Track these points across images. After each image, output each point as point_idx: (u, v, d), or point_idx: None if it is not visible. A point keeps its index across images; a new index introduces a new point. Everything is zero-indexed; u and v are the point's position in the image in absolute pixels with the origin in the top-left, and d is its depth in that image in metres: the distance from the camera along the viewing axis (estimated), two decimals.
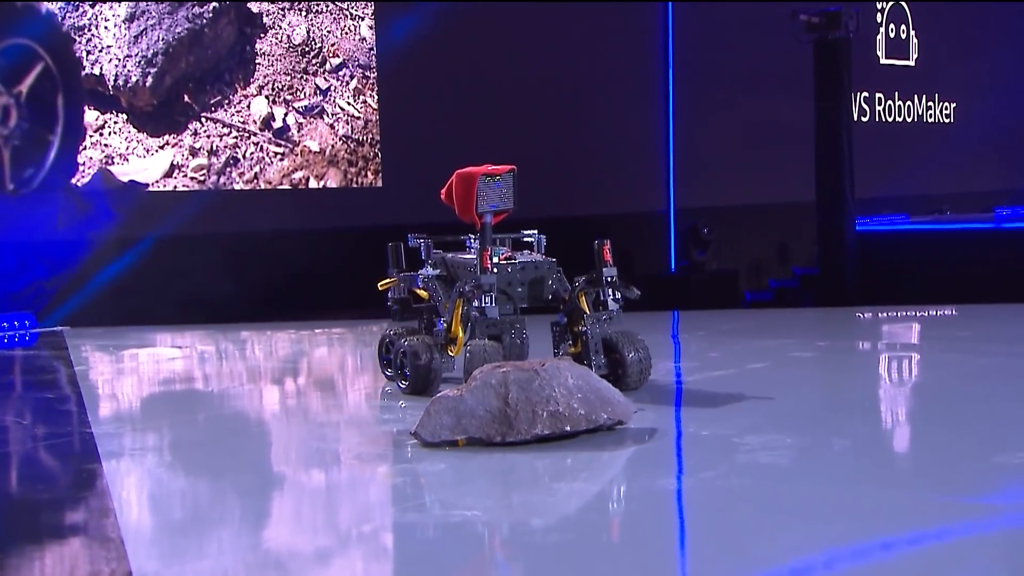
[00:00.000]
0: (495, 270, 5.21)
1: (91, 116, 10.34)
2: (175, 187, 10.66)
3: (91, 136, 10.37)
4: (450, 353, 5.34)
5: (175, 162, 10.61)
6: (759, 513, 3.31)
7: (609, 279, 5.25)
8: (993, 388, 5.59)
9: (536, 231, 5.77)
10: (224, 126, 10.72)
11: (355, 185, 11.28)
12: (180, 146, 10.61)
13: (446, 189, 5.63)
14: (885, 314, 9.96)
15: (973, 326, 8.59)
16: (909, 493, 3.47)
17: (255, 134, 10.82)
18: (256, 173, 10.87)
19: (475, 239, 5.63)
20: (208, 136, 10.68)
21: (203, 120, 10.64)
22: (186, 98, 10.59)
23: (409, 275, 5.86)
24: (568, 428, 4.16)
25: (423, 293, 5.76)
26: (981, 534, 3.03)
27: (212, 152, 10.70)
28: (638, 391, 5.21)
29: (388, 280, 5.95)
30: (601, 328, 5.27)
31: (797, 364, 6.77)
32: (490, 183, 5.45)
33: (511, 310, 5.35)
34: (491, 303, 5.12)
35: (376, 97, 11.32)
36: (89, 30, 10.27)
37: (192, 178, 10.69)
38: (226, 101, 10.73)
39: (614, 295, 5.27)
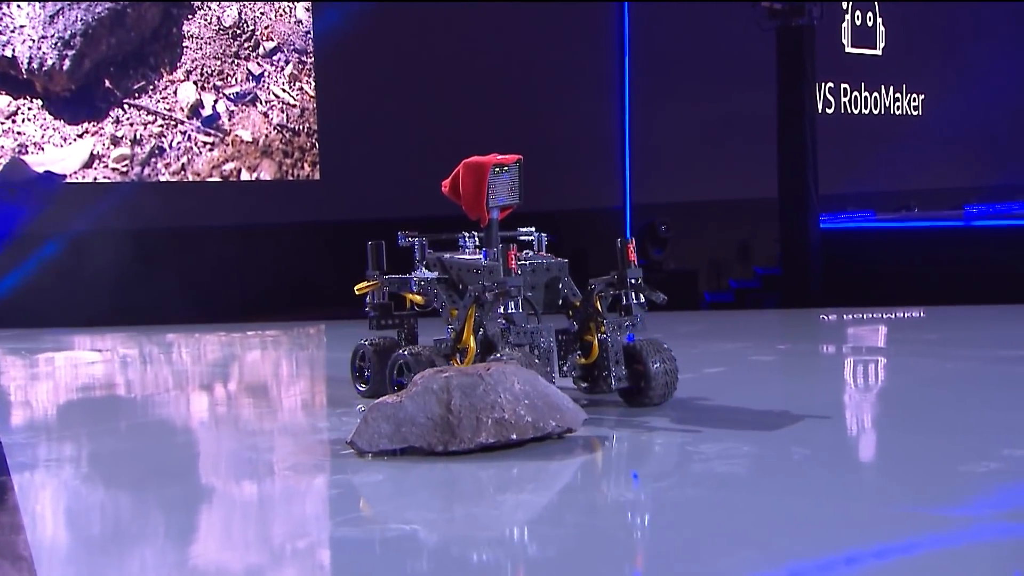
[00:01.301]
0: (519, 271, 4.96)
1: (2, 102, 10.20)
2: (95, 178, 10.54)
3: (2, 123, 10.23)
4: (458, 364, 5.00)
5: (95, 152, 10.50)
6: (715, 525, 3.34)
7: (633, 281, 5.04)
8: (959, 394, 5.70)
9: (534, 228, 5.58)
10: (149, 113, 10.62)
11: (291, 178, 11.23)
12: (101, 134, 10.49)
13: (450, 181, 5.39)
14: (850, 316, 10.10)
15: (940, 328, 8.74)
16: (873, 504, 3.52)
17: (182, 122, 10.73)
18: (183, 164, 10.78)
19: (469, 237, 5.44)
20: (131, 124, 10.57)
21: (125, 107, 10.53)
22: (107, 83, 10.48)
23: (398, 278, 5.60)
24: (514, 436, 4.17)
25: (417, 298, 5.49)
26: (949, 547, 3.08)
27: (135, 141, 10.60)
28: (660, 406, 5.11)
29: (367, 283, 5.68)
30: (622, 335, 5.03)
31: (757, 369, 6.85)
32: (499, 175, 5.25)
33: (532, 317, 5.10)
34: (518, 309, 4.86)
35: (313, 84, 11.27)
36: (0, 9, 10.13)
37: (114, 169, 10.58)
38: (151, 87, 10.63)
39: (638, 299, 5.05)
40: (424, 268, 5.46)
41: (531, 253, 5.37)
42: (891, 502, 3.55)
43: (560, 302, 5.17)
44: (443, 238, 5.56)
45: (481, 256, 5.18)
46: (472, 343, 4.96)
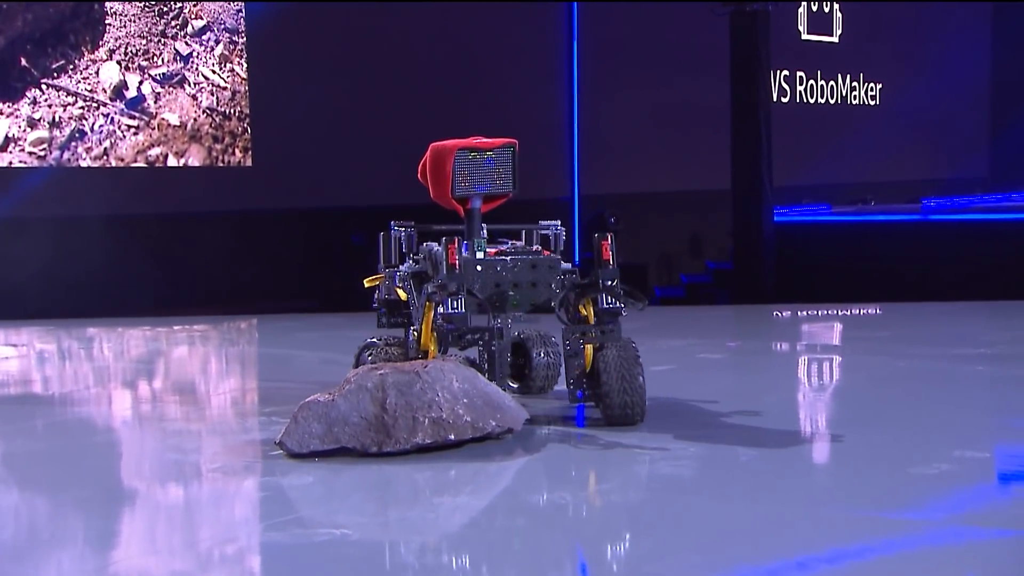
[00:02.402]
0: (480, 268, 4.77)
1: None
2: (10, 163, 10.41)
3: None
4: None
5: (10, 134, 10.36)
6: (659, 530, 3.39)
7: (608, 283, 4.74)
8: (911, 393, 5.81)
9: (558, 222, 5.35)
10: (68, 95, 10.49)
11: (221, 164, 11.15)
12: (16, 116, 10.35)
13: (421, 167, 5.17)
14: (804, 312, 10.23)
15: (894, 325, 8.88)
16: (824, 508, 3.58)
17: (105, 104, 10.62)
18: (106, 149, 10.67)
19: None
20: (50, 105, 10.44)
21: (43, 87, 10.40)
22: (23, 62, 10.35)
23: (390, 272, 5.42)
24: (452, 437, 4.19)
25: (402, 293, 5.34)
26: (903, 552, 3.14)
27: (54, 124, 10.47)
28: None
29: (375, 276, 5.53)
30: (583, 345, 4.77)
31: (705, 367, 6.93)
32: (476, 160, 4.98)
33: (503, 316, 4.90)
34: (460, 308, 4.63)
35: (245, 65, 11.21)
36: None
37: (31, 153, 10.44)
38: (71, 66, 10.50)
39: (612, 303, 4.75)
40: (413, 261, 5.26)
41: (519, 245, 5.15)
42: (842, 505, 3.61)
43: (552, 303, 4.90)
44: (443, 229, 5.28)
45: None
46: (432, 345, 4.83)
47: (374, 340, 5.41)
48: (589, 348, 4.78)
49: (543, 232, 5.31)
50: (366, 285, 5.57)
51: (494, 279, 4.84)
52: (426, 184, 5.10)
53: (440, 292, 4.67)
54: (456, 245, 4.69)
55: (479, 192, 5.01)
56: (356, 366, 5.31)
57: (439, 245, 4.86)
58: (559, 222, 5.34)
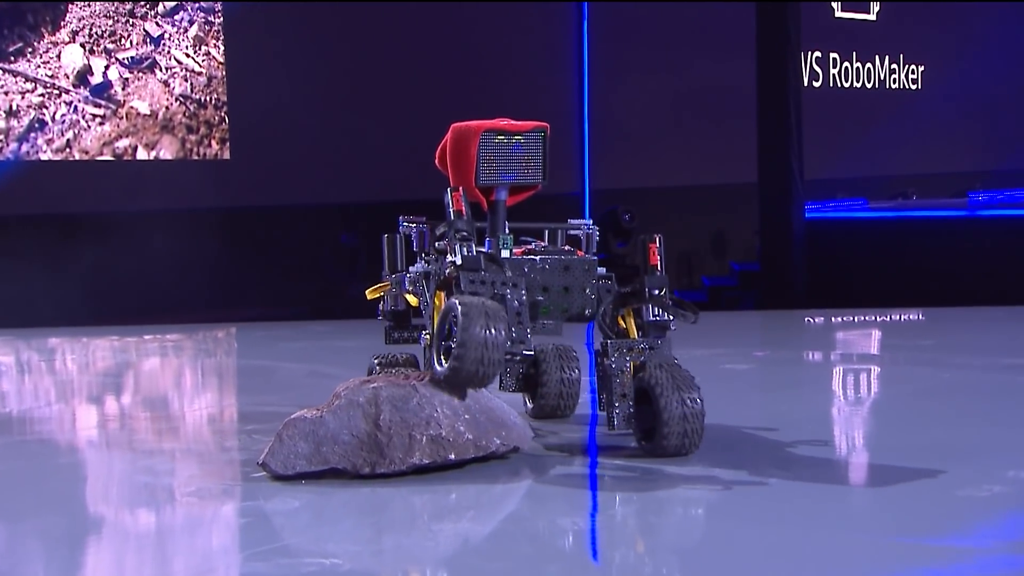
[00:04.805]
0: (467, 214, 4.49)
1: None
2: None
3: None
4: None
5: None
6: (678, 557, 3.38)
7: (656, 292, 4.60)
8: (958, 407, 5.81)
9: (590, 222, 5.15)
10: (27, 80, 10.52)
11: (195, 156, 11.17)
12: None
13: (439, 150, 4.98)
14: (838, 319, 10.22)
15: (938, 332, 8.88)
16: (861, 534, 3.57)
17: (68, 91, 10.64)
18: (69, 140, 10.69)
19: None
20: (6, 92, 10.46)
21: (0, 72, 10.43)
22: None
23: (401, 276, 5.18)
24: (452, 456, 4.19)
25: (412, 298, 5.09)
26: None
27: (11, 113, 10.49)
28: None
29: (379, 285, 5.32)
30: (631, 361, 4.54)
31: (731, 378, 6.92)
32: (503, 144, 4.75)
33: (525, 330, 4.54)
34: (471, 251, 4.42)
35: (222, 48, 11.23)
36: None
37: None
38: (29, 49, 10.53)
39: (659, 315, 4.61)
40: (424, 262, 5.00)
41: (544, 246, 4.97)
42: (882, 531, 3.60)
43: (588, 312, 4.72)
44: (481, 227, 4.97)
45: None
46: None
47: (378, 361, 5.17)
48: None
49: (572, 233, 5.11)
50: (368, 297, 5.37)
51: (541, 282, 4.65)
52: (444, 171, 4.90)
53: (448, 239, 4.43)
54: (461, 192, 4.51)
55: (505, 181, 4.78)
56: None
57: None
58: (591, 221, 5.16)
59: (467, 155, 4.71)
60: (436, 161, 4.97)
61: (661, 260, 4.61)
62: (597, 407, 4.79)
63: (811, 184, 12.57)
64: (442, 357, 4.26)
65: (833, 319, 10.17)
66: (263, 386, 7.00)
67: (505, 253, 4.64)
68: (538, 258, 4.67)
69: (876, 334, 9.58)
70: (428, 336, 4.72)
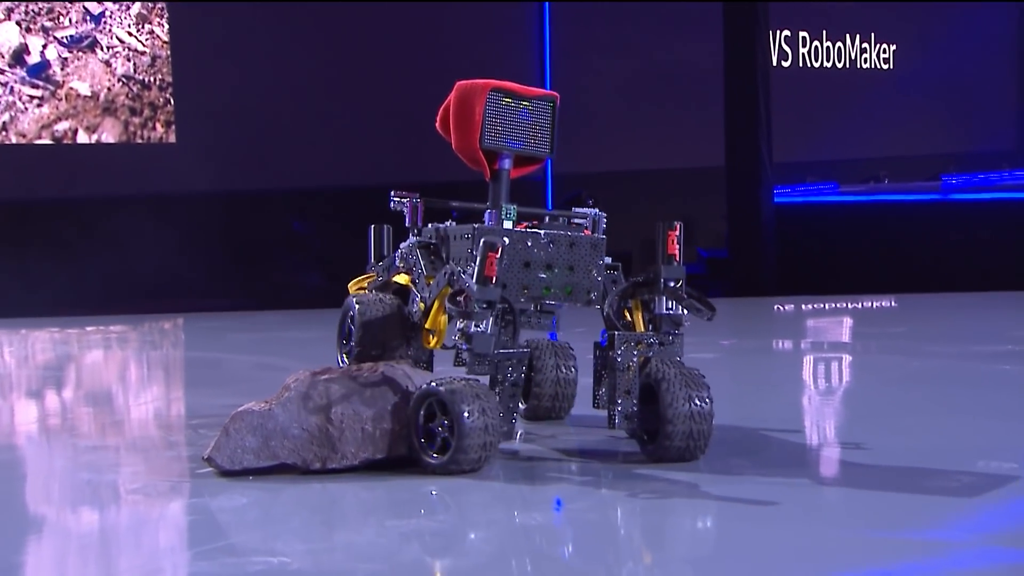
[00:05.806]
0: (506, 240, 4.23)
1: None
2: None
3: None
4: (427, 346, 4.48)
5: None
6: (644, 555, 3.40)
7: (671, 284, 4.42)
8: (929, 396, 5.86)
9: (595, 207, 4.94)
10: None
11: (139, 140, 11.11)
12: None
13: (442, 112, 4.81)
14: (808, 306, 10.29)
15: (910, 320, 8.96)
16: (833, 529, 3.60)
17: (3, 72, 10.55)
18: (5, 123, 10.61)
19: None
20: None
21: None
22: None
23: (389, 261, 4.99)
24: (407, 451, 4.19)
25: (403, 277, 4.85)
26: None
27: None
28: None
29: (363, 276, 5.14)
30: (638, 357, 4.36)
31: (697, 368, 6.94)
32: (510, 108, 4.62)
33: (529, 311, 4.53)
34: (486, 329, 4.19)
35: (166, 26, 11.16)
36: None
37: None
38: None
39: (674, 308, 4.42)
40: (415, 236, 4.82)
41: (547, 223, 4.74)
42: (854, 525, 3.63)
43: (592, 295, 4.52)
44: (454, 205, 4.94)
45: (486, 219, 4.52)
46: (442, 324, 4.37)
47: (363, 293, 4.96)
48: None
49: (577, 222, 4.87)
50: (351, 290, 5.13)
51: (523, 257, 4.41)
52: (446, 135, 4.73)
53: (466, 306, 4.16)
54: (498, 253, 4.14)
55: (512, 148, 4.62)
56: (345, 339, 4.92)
57: (451, 223, 4.53)
58: (597, 208, 4.98)
59: (472, 114, 4.55)
60: (437, 124, 4.83)
61: (680, 250, 4.45)
62: (593, 404, 4.68)
63: (780, 167, 12.63)
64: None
65: (803, 306, 10.24)
66: (210, 379, 6.98)
67: (508, 224, 4.45)
68: (543, 232, 4.47)
69: (847, 322, 9.65)
70: (422, 303, 4.55)
